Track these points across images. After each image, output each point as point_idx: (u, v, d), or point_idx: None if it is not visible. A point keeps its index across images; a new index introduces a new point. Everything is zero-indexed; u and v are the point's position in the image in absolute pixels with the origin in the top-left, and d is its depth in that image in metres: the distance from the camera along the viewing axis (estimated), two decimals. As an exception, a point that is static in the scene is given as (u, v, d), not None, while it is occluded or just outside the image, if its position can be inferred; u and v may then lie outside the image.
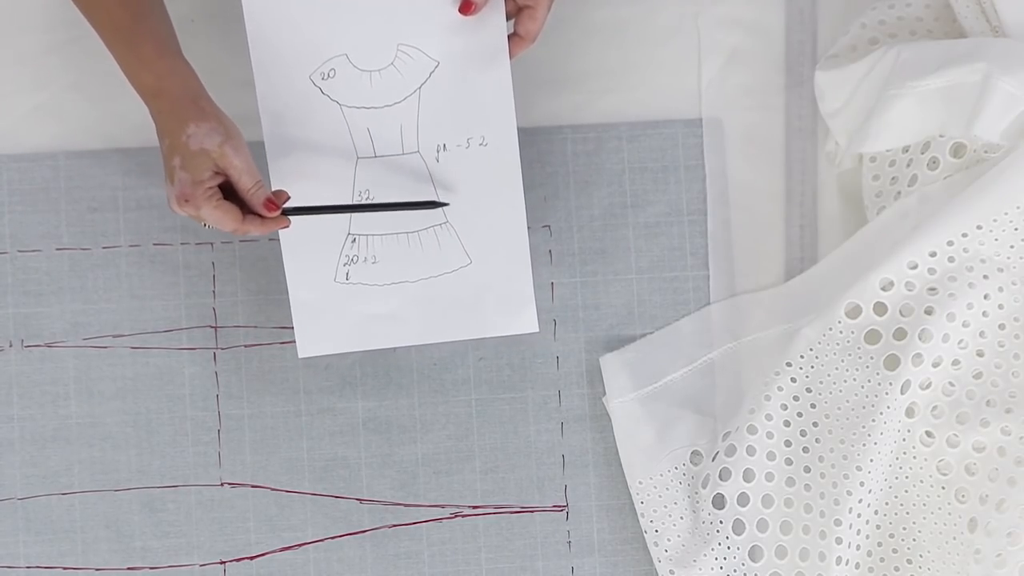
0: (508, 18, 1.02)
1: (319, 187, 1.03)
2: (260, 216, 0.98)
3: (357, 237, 1.05)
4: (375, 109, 1.03)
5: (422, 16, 1.02)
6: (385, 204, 1.03)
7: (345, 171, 1.04)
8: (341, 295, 1.05)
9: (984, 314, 1.04)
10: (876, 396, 1.04)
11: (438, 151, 1.04)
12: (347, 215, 1.04)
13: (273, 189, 1.00)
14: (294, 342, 1.08)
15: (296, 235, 1.03)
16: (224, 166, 0.96)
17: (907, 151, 1.08)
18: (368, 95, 1.03)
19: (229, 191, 0.98)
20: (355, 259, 1.05)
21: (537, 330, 1.07)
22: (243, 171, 0.97)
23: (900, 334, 1.04)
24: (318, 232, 1.04)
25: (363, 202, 1.04)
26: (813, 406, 1.07)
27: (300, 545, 1.11)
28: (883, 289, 1.05)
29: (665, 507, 1.10)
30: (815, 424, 1.07)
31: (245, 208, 0.98)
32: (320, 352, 1.06)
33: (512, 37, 1.02)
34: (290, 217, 1.00)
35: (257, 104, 1.02)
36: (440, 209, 1.04)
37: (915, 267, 1.04)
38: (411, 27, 1.02)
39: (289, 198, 0.99)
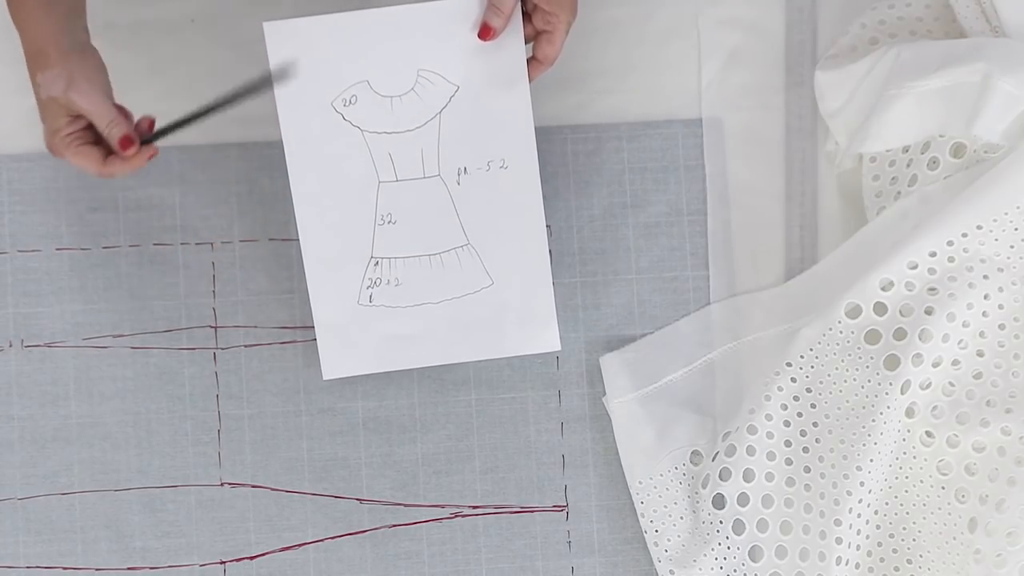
0: (526, 42, 1.03)
1: (342, 211, 1.05)
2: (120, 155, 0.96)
3: (380, 260, 1.06)
4: (396, 134, 1.04)
5: (442, 42, 1.02)
6: (218, 103, 0.98)
7: (367, 195, 1.05)
8: (365, 317, 1.06)
9: (984, 314, 1.04)
10: (876, 396, 1.04)
11: (459, 174, 1.05)
12: (370, 236, 1.05)
13: (139, 118, 0.97)
14: (294, 342, 1.08)
15: (319, 258, 1.05)
16: (75, 112, 0.95)
17: (907, 151, 1.09)
18: (389, 120, 1.04)
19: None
20: (378, 281, 1.06)
21: (559, 348, 1.08)
22: (93, 114, 0.95)
23: (900, 334, 1.04)
24: (341, 255, 1.05)
25: (386, 220, 1.05)
26: (813, 406, 1.07)
27: (300, 545, 1.11)
28: (883, 289, 1.05)
29: (665, 507, 1.10)
30: (815, 424, 1.07)
31: (112, 150, 0.97)
32: (345, 373, 1.07)
33: (530, 61, 1.03)
34: (156, 145, 0.97)
35: (280, 130, 1.03)
36: (462, 231, 1.05)
37: (915, 267, 1.05)
38: (431, 53, 1.03)
39: (153, 123, 0.97)
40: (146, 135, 0.97)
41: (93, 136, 0.97)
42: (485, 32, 1.01)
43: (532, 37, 1.03)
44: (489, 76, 1.03)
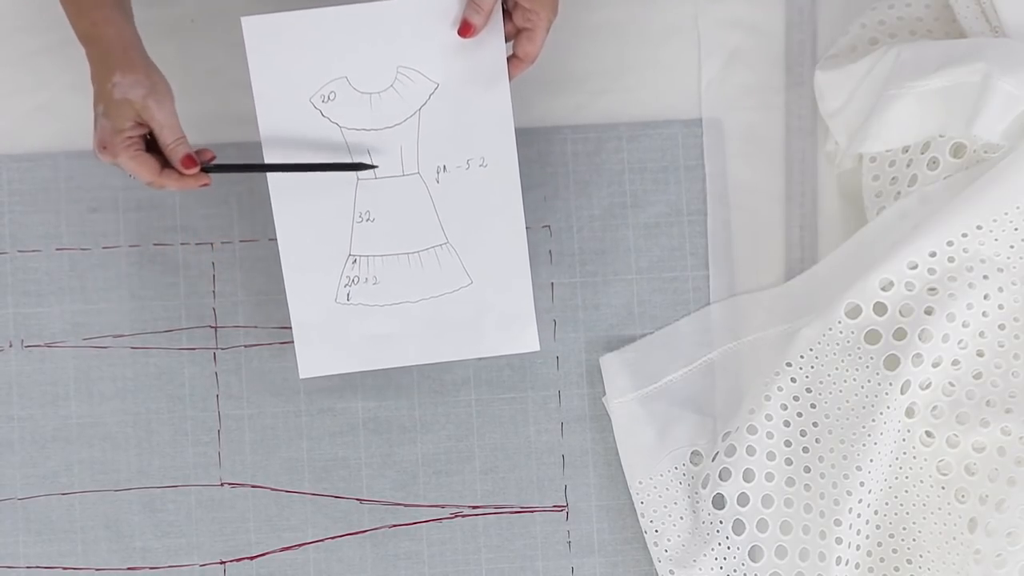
0: (507, 40, 1.03)
1: (319, 208, 1.04)
2: (179, 172, 0.99)
3: (358, 258, 1.05)
4: (375, 131, 1.04)
5: (422, 39, 1.02)
6: (310, 164, 1.03)
7: (346, 193, 1.04)
8: (342, 316, 1.06)
9: (984, 314, 1.04)
10: (876, 396, 1.04)
11: (438, 172, 1.05)
12: (348, 234, 1.05)
13: (198, 149, 1.00)
14: (294, 342, 1.08)
15: (297, 256, 1.04)
16: (146, 118, 0.97)
17: (907, 151, 1.09)
18: (368, 117, 1.03)
19: (153, 145, 0.99)
20: (356, 280, 1.05)
21: (538, 349, 1.07)
22: (164, 126, 0.98)
23: (900, 334, 1.04)
24: (319, 253, 1.05)
25: (365, 218, 1.05)
26: (813, 406, 1.07)
27: (300, 545, 1.11)
28: (883, 289, 1.05)
29: (665, 507, 1.10)
30: (815, 424, 1.07)
31: (166, 162, 0.99)
32: (322, 372, 1.07)
33: (511, 59, 1.03)
34: (211, 175, 1.00)
35: (257, 125, 1.03)
36: (441, 230, 1.05)
37: (915, 267, 1.05)
38: (411, 49, 1.02)
39: (214, 158, 1.00)
40: (205, 163, 1.00)
41: (146, 146, 0.99)
42: (465, 29, 1.01)
43: (513, 35, 1.02)
44: (469, 74, 1.03)
